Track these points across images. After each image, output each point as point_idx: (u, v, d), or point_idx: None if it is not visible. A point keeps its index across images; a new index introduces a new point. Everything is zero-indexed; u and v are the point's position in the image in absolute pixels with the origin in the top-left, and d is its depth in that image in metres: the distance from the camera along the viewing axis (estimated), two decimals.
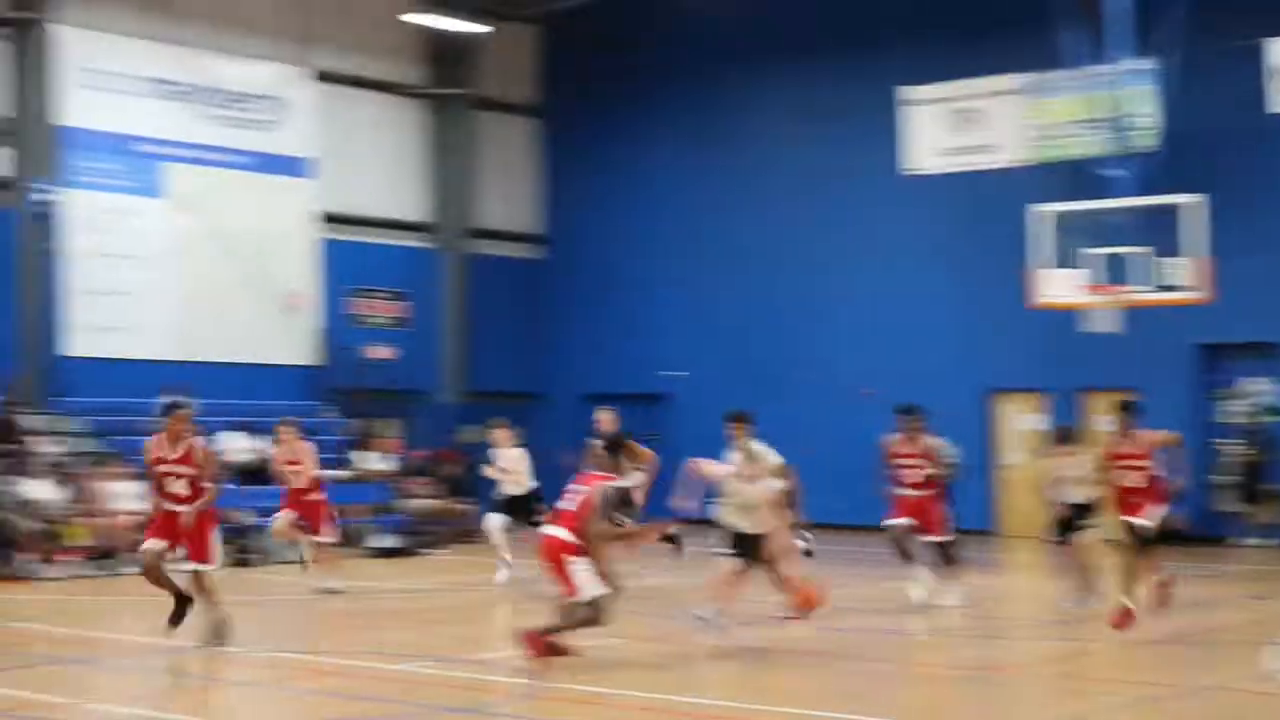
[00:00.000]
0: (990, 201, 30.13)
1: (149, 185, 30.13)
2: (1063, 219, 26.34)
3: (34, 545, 22.54)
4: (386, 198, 34.20)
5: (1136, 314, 26.22)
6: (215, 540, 15.03)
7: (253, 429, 28.09)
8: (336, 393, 31.83)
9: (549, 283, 36.39)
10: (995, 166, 30.09)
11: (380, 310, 33.60)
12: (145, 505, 23.52)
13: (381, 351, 32.48)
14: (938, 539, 18.37)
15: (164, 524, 14.88)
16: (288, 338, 31.74)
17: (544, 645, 12.97)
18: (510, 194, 36.35)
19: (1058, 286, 26.23)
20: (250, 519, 25.25)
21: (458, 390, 34.41)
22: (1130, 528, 16.00)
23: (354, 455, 29.11)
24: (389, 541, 26.21)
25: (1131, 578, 15.84)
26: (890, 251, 31.83)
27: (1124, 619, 15.37)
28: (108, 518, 23.61)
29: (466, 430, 32.65)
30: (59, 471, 24.36)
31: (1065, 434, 19.48)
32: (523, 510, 21.53)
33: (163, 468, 14.99)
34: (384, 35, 33.93)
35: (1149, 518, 16.04)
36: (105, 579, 22.32)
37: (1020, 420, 30.58)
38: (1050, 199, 26.81)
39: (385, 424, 31.83)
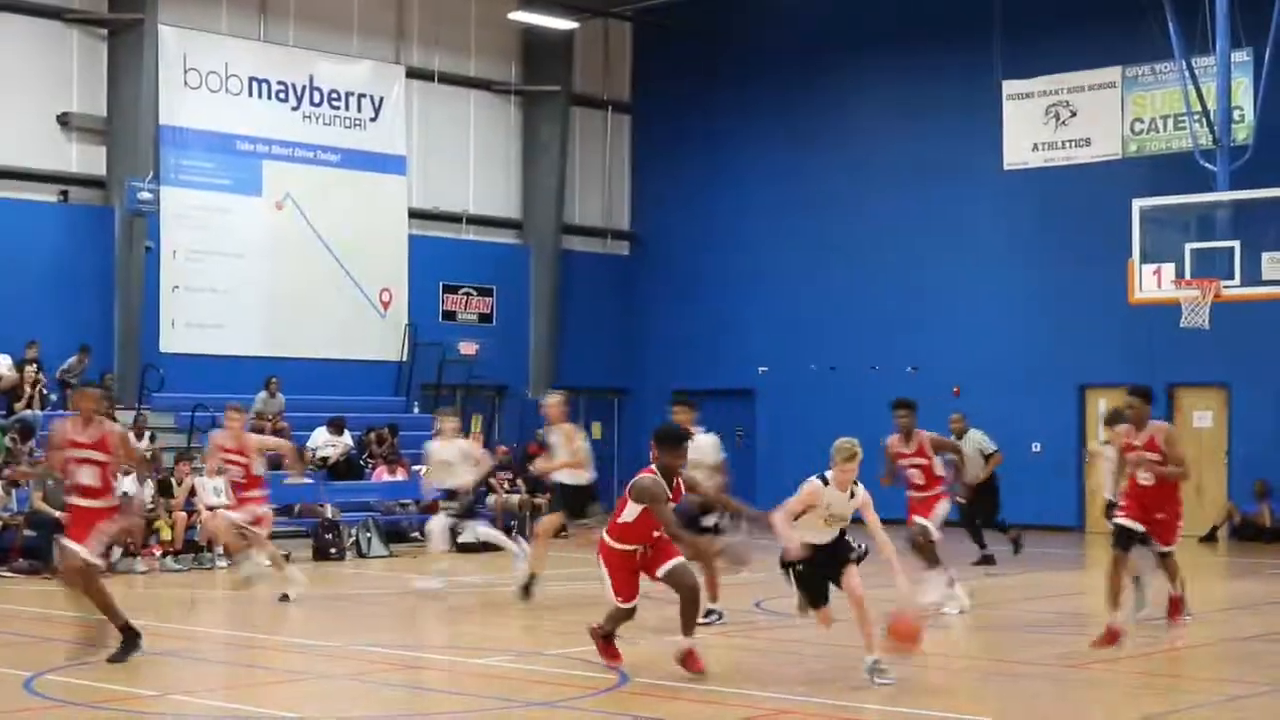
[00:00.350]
0: (1087, 196, 29.95)
1: (246, 183, 30.47)
2: (1160, 213, 26.12)
3: (125, 539, 22.75)
4: (479, 194, 34.38)
5: (1233, 308, 25.93)
6: (101, 531, 13.43)
7: (342, 424, 28.33)
8: (424, 388, 32.04)
9: (637, 278, 36.48)
10: (1093, 160, 29.94)
11: (470, 306, 33.79)
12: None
13: (469, 347, 32.64)
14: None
15: (77, 519, 13.56)
16: (378, 333, 31.98)
17: (606, 647, 12.89)
18: (600, 190, 36.48)
19: (1154, 281, 26.00)
20: (336, 514, 25.52)
21: (545, 385, 34.49)
22: (1159, 554, 14.64)
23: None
24: (473, 536, 26.19)
25: (1117, 591, 14.22)
26: (983, 246, 31.67)
27: (1109, 637, 13.91)
28: (198, 513, 23.83)
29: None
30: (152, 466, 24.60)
31: (1114, 417, 17.22)
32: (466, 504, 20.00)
33: (73, 452, 13.51)
34: (477, 33, 34.14)
35: (1170, 540, 14.55)
36: (194, 573, 22.55)
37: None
38: (1147, 193, 26.60)
39: (473, 419, 31.99)
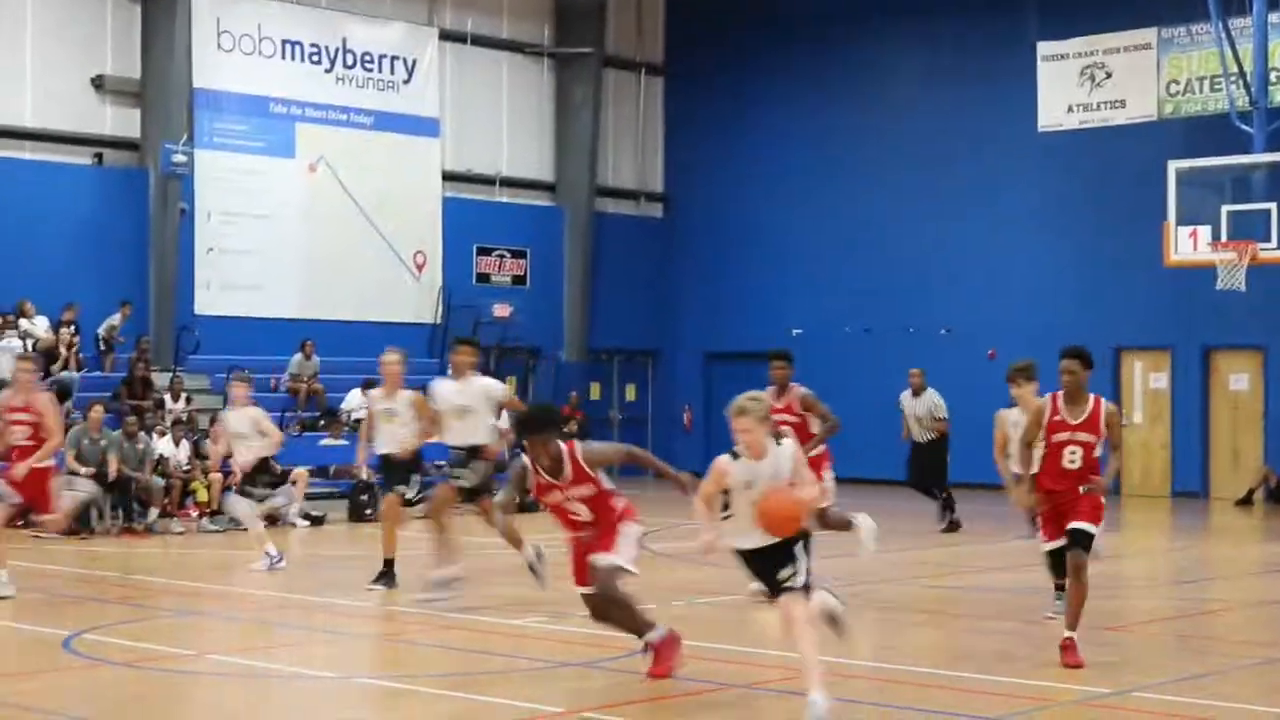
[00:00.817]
0: (1122, 158, 29.82)
1: (279, 145, 30.51)
2: (1196, 175, 26.03)
3: (162, 500, 22.90)
4: (512, 156, 34.37)
5: (1270, 270, 25.85)
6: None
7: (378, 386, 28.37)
8: None
9: (670, 241, 36.46)
10: (1128, 122, 29.80)
11: (503, 268, 33.82)
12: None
13: (504, 309, 32.66)
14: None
15: None
16: (412, 295, 32.04)
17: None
18: (633, 152, 36.44)
19: (1190, 243, 25.92)
20: (371, 476, 25.53)
21: (579, 347, 34.56)
22: (1074, 535, 11.65)
23: None
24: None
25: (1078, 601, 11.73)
26: (1018, 208, 31.58)
27: (1072, 655, 11.53)
28: (234, 474, 23.91)
29: (585, 386, 32.91)
30: (187, 428, 24.75)
31: (1022, 373, 14.47)
32: (260, 477, 18.18)
33: None
34: None
35: (1097, 518, 11.75)
36: (229, 534, 22.66)
37: (1150, 378, 30.26)
38: (1183, 155, 26.50)
39: (507, 381, 31.99)
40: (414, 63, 32.50)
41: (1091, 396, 11.94)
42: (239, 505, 18.09)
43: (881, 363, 31.05)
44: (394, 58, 32.26)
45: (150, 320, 28.45)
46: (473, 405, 15.22)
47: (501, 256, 33.88)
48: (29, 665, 12.08)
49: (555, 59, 34.99)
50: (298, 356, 28.61)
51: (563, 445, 10.82)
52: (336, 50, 31.41)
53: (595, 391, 34.64)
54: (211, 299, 29.52)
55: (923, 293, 32.50)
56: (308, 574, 17.87)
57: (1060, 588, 12.76)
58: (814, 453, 14.53)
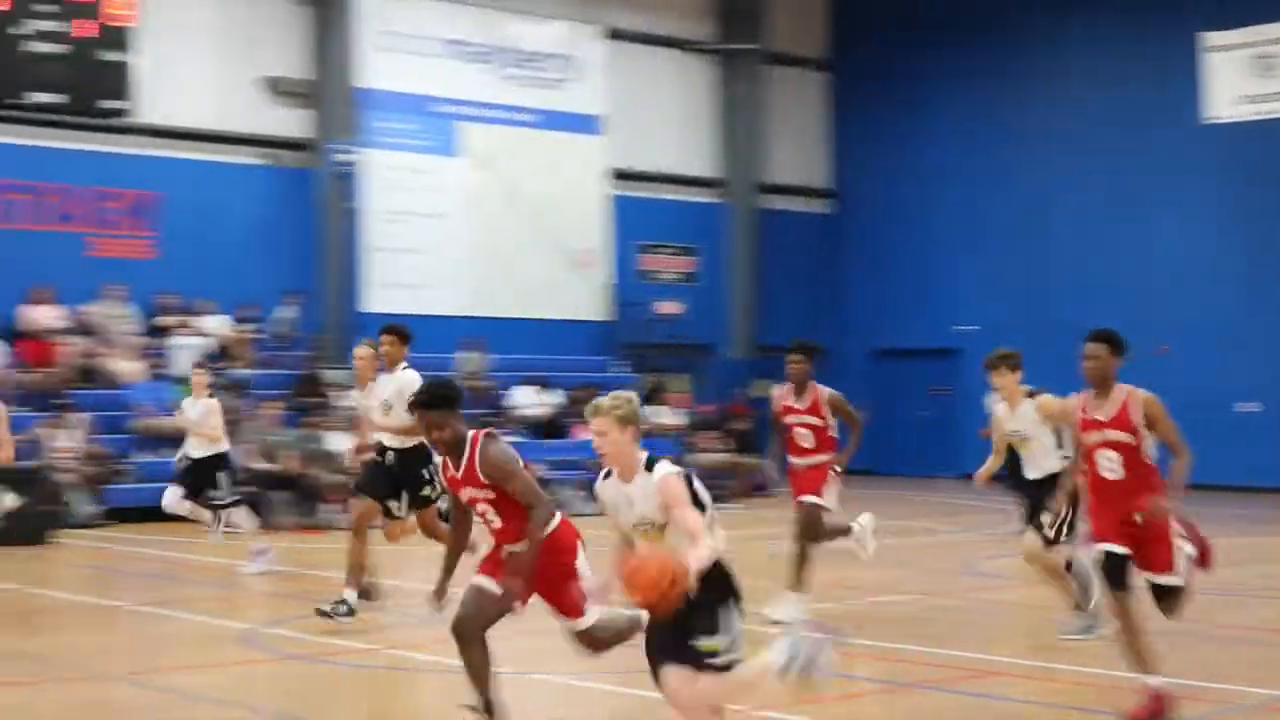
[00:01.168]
0: None
1: (445, 144, 30.80)
2: None
3: (335, 496, 23.23)
4: (676, 153, 34.42)
5: None
6: None
7: (546, 383, 28.67)
8: (626, 348, 32.24)
9: (838, 237, 36.31)
10: None
11: (669, 265, 33.90)
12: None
13: (671, 306, 32.73)
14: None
15: None
16: (579, 293, 32.21)
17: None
18: (799, 148, 36.29)
19: None
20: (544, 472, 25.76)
21: (746, 345, 34.52)
22: (1154, 589, 9.83)
23: (645, 410, 29.48)
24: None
25: (1144, 644, 9.80)
26: (1188, 203, 31.11)
27: (1155, 706, 9.64)
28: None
29: (757, 384, 32.79)
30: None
31: (1006, 361, 13.42)
32: (206, 477, 17.54)
33: None
34: None
35: (1178, 569, 9.75)
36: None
37: None
38: None
39: (675, 379, 32.11)
40: (577, 61, 32.66)
41: (1121, 387, 9.91)
42: (171, 495, 17.54)
43: (1050, 360, 30.63)
44: (559, 56, 32.44)
45: (321, 318, 28.88)
46: (392, 401, 13.79)
47: (668, 254, 33.97)
48: (212, 658, 12.32)
49: (719, 55, 34.97)
50: (467, 354, 28.85)
51: (467, 432, 9.24)
52: (500, 49, 31.64)
53: (763, 389, 34.58)
54: (381, 297, 29.86)
55: (1091, 289, 32.06)
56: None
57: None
58: (821, 459, 13.80)
